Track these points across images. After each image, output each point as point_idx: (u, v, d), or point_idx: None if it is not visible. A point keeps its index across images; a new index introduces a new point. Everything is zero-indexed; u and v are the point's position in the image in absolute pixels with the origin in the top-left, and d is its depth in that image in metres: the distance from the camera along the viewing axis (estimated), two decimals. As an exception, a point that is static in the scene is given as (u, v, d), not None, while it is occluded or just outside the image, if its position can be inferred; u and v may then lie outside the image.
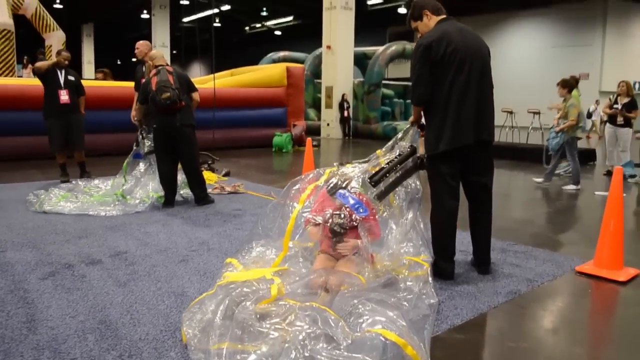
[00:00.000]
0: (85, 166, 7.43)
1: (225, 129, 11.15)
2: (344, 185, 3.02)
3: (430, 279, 2.98)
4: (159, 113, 5.49)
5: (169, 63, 6.10)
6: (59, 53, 7.26)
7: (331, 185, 3.03)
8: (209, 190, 6.13)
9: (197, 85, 5.98)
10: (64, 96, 7.02)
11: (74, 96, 7.13)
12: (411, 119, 3.58)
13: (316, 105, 18.68)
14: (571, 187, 7.48)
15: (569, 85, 7.65)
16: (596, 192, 7.26)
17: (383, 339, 2.10)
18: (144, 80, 5.98)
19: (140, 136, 6.15)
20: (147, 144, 5.99)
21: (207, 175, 7.13)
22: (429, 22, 3.46)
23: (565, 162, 8.09)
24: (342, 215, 2.87)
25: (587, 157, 10.74)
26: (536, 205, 6.71)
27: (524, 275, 3.60)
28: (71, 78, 7.16)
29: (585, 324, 3.08)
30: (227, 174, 8.01)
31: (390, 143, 3.51)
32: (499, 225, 4.91)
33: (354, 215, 2.87)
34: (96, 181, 6.71)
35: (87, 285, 3.28)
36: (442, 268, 3.43)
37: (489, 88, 3.46)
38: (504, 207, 6.33)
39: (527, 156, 10.74)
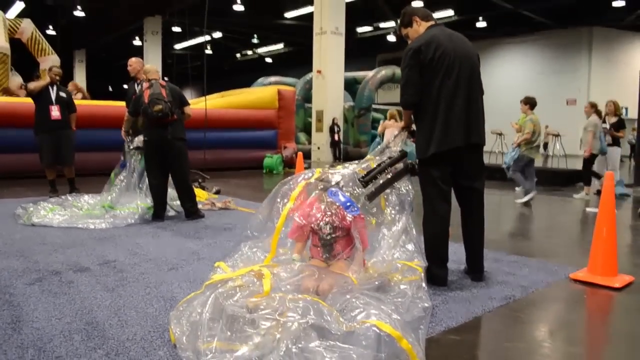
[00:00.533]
0: (74, 182, 7.37)
1: (216, 150, 11.15)
2: (335, 183, 2.99)
3: (423, 283, 2.94)
4: (151, 126, 5.48)
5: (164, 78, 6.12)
6: (50, 69, 7.28)
7: (322, 180, 3.00)
8: (199, 206, 6.08)
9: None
10: (54, 112, 7.02)
11: (64, 112, 7.13)
12: (401, 124, 3.60)
13: (307, 129, 18.76)
14: (524, 199, 7.70)
15: (530, 102, 8.06)
16: (587, 209, 7.28)
17: (377, 330, 2.05)
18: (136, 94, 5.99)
19: (127, 146, 6.10)
20: (135, 141, 5.92)
21: (198, 192, 7.07)
22: (419, 28, 3.50)
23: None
24: (332, 213, 2.83)
25: (576, 178, 10.80)
26: (528, 221, 6.71)
27: (518, 283, 3.57)
28: (62, 94, 7.17)
29: (581, 326, 3.05)
30: (217, 192, 7.96)
31: (380, 147, 3.51)
32: (491, 238, 4.90)
33: (345, 214, 2.83)
34: (86, 197, 6.64)
35: (74, 290, 3.21)
36: (435, 274, 3.39)
37: (479, 92, 3.48)
38: (496, 222, 6.33)
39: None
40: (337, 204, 2.85)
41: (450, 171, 3.41)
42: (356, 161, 3.38)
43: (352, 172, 3.11)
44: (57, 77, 7.19)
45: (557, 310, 3.19)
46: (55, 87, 7.12)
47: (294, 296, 2.29)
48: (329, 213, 2.85)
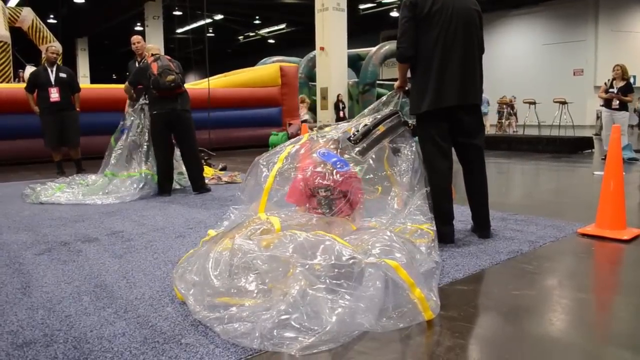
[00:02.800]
0: (81, 163, 7.39)
1: (221, 129, 11.14)
2: (325, 144, 2.96)
3: (434, 243, 2.91)
4: (160, 98, 5.45)
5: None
6: (47, 49, 7.24)
7: (312, 140, 2.97)
8: (206, 181, 6.09)
9: (191, 86, 6.01)
10: (54, 94, 6.99)
11: (66, 94, 7.09)
12: (397, 84, 3.55)
13: (311, 108, 18.62)
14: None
15: None
16: (595, 172, 7.23)
17: (389, 274, 2.06)
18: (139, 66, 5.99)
19: (129, 109, 6.08)
20: (140, 102, 5.93)
21: (204, 169, 7.08)
22: None
23: None
24: (326, 174, 2.80)
25: (585, 145, 10.72)
26: (535, 184, 6.67)
27: (525, 238, 3.56)
28: (63, 75, 7.12)
29: (590, 275, 3.04)
30: (223, 169, 7.97)
31: (373, 105, 3.47)
32: (498, 201, 4.89)
33: (335, 172, 2.79)
34: (93, 177, 6.65)
35: (82, 258, 3.23)
36: (442, 231, 3.36)
37: (477, 50, 3.41)
38: (504, 187, 6.30)
39: (523, 146, 10.74)
40: (329, 163, 2.82)
41: (448, 127, 3.38)
42: (346, 120, 3.35)
43: (342, 133, 3.08)
44: (55, 56, 7.12)
45: (565, 262, 3.17)
46: (55, 68, 7.08)
47: (309, 233, 2.28)
48: (322, 174, 2.82)
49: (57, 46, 7.34)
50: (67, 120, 7.10)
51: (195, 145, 5.79)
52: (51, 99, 6.97)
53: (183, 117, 5.53)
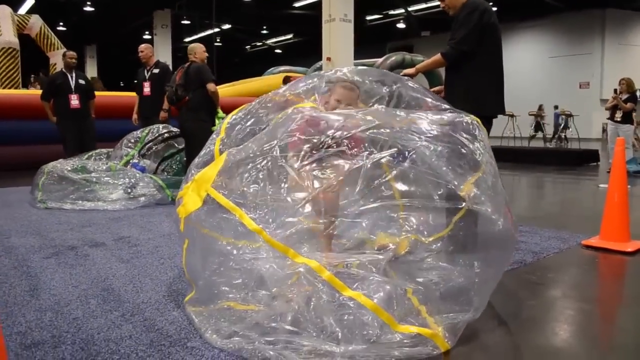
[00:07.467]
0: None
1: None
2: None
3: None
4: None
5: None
6: (63, 55, 7.30)
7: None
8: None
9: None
10: (74, 101, 7.01)
11: (84, 100, 7.15)
12: (411, 71, 3.45)
13: (318, 118, 18.71)
14: None
15: None
16: (600, 185, 7.23)
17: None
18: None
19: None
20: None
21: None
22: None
23: None
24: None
25: (590, 158, 10.72)
26: (539, 196, 6.68)
27: (529, 249, 3.57)
28: (82, 82, 7.18)
29: (593, 286, 3.05)
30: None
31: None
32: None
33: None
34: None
35: (90, 262, 3.26)
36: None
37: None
38: (509, 198, 6.31)
39: (528, 158, 10.76)
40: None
41: None
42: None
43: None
44: (73, 61, 7.16)
45: (569, 273, 3.19)
46: (74, 74, 7.14)
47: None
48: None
49: (73, 52, 7.40)
50: (85, 128, 7.13)
51: (192, 155, 5.80)
52: (72, 106, 7.01)
53: (183, 127, 5.82)
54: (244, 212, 2.19)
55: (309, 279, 2.06)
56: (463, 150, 2.32)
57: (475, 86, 3.36)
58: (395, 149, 2.38)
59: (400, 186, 2.47)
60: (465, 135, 2.38)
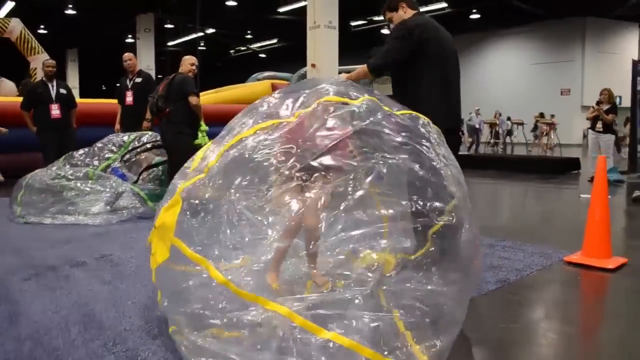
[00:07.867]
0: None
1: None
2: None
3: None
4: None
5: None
6: (43, 64, 7.20)
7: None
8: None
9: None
10: (55, 111, 6.89)
11: (65, 110, 7.04)
12: (348, 76, 3.39)
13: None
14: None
15: None
16: (581, 195, 7.32)
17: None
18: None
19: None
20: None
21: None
22: (404, 14, 3.46)
23: None
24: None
25: (572, 166, 10.85)
26: (522, 207, 6.74)
27: (512, 266, 3.59)
28: (63, 91, 7.07)
29: (576, 306, 3.08)
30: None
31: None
32: (485, 225, 4.93)
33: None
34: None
35: (71, 284, 3.21)
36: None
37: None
38: (491, 209, 6.36)
39: (510, 166, 10.89)
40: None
41: None
42: None
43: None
44: (50, 69, 7.04)
45: (551, 292, 3.22)
46: (55, 83, 7.04)
47: None
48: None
49: (52, 60, 7.28)
50: (67, 137, 7.02)
51: (174, 168, 5.68)
52: (52, 116, 6.90)
53: (164, 139, 5.77)
54: (210, 264, 2.18)
55: (283, 324, 2.05)
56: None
57: (420, 101, 3.23)
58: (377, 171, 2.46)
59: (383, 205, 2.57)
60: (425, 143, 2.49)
